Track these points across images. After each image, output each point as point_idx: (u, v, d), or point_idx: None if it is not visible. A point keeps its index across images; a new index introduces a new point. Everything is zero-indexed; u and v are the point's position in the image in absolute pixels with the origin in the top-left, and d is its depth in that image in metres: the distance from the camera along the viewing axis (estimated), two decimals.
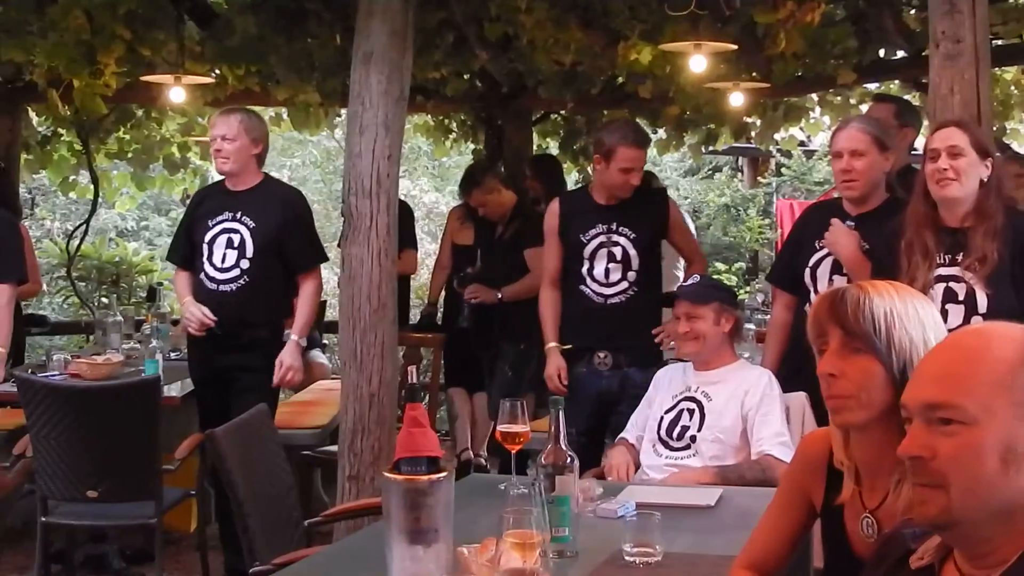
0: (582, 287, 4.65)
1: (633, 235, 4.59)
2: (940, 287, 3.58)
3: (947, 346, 1.64)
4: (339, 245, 4.58)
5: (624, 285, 4.59)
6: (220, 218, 4.83)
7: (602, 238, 4.62)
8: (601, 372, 4.58)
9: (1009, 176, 4.37)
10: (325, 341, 7.44)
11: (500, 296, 6.12)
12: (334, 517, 3.88)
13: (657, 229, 4.70)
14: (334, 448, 4.77)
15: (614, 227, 4.61)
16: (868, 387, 2.13)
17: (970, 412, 1.51)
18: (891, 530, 1.77)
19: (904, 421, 1.59)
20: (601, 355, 4.58)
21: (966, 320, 3.51)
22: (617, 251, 4.60)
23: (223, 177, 4.98)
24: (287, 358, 4.76)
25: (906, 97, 6.87)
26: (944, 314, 3.47)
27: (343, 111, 7.17)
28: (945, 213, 3.60)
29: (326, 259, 5.10)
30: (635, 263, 4.58)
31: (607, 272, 4.60)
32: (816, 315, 2.22)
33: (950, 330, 2.13)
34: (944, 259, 3.60)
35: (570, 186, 9.99)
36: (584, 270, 4.63)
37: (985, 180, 3.55)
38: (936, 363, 1.61)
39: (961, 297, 3.56)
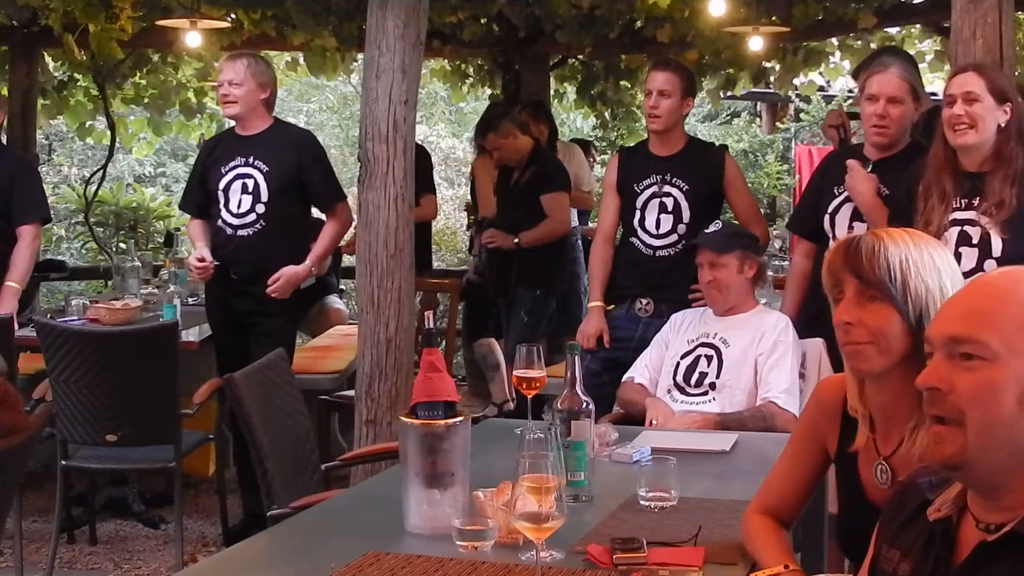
0: (632, 239, 4.60)
1: (686, 187, 4.52)
2: (955, 230, 3.55)
3: (977, 284, 1.64)
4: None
5: (674, 237, 4.51)
6: (233, 164, 4.83)
7: (654, 188, 4.55)
8: (640, 318, 4.54)
9: None
10: (342, 287, 7.46)
11: (517, 241, 6.10)
12: (351, 461, 3.89)
13: (712, 184, 4.58)
14: (351, 393, 4.79)
15: (667, 177, 4.55)
16: (885, 335, 2.12)
17: (993, 349, 1.51)
18: (907, 479, 1.77)
19: (926, 356, 1.60)
20: (643, 301, 4.54)
21: (979, 264, 3.49)
22: (669, 202, 4.53)
23: (234, 125, 4.99)
24: (287, 271, 4.76)
25: (927, 42, 6.80)
26: (957, 257, 3.45)
27: (360, 56, 7.15)
28: (963, 158, 3.57)
29: (345, 196, 5.11)
30: (686, 215, 4.50)
31: (658, 223, 4.53)
32: (831, 264, 2.21)
33: (964, 274, 2.12)
34: (961, 203, 3.57)
35: (587, 131, 9.90)
36: (636, 221, 4.58)
37: (1003, 125, 3.50)
38: (964, 299, 1.61)
39: (975, 241, 3.54)
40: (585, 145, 8.23)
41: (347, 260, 7.23)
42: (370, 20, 4.35)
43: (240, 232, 4.81)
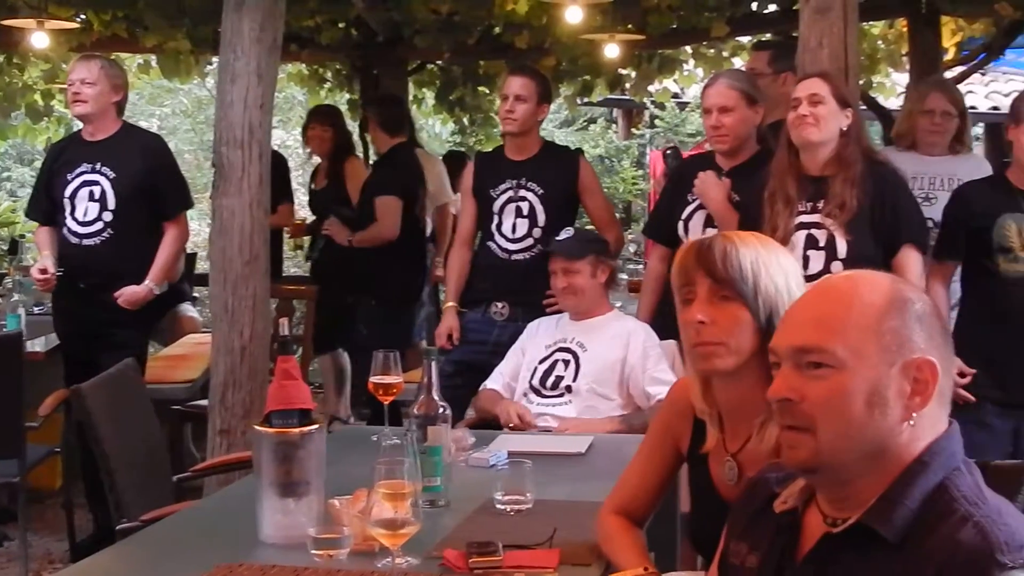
0: (489, 242, 4.61)
1: (541, 191, 4.54)
2: (802, 234, 3.66)
3: (816, 292, 1.66)
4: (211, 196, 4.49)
5: (530, 241, 4.52)
6: (79, 170, 4.71)
7: (510, 192, 4.57)
8: (495, 322, 4.55)
9: (935, 112, 4.47)
10: (196, 294, 7.31)
11: (350, 240, 6.00)
12: (204, 472, 3.82)
13: (567, 188, 4.61)
14: (205, 402, 4.70)
15: (523, 182, 4.56)
16: (736, 333, 2.18)
17: (839, 356, 1.54)
18: (757, 474, 1.80)
19: (772, 366, 1.62)
20: (499, 305, 4.54)
21: (827, 265, 3.60)
22: (524, 206, 4.54)
23: (80, 129, 4.87)
24: (127, 291, 4.65)
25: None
26: (805, 260, 3.59)
27: (215, 59, 7.04)
28: (807, 161, 3.69)
29: (192, 205, 5.03)
30: (541, 219, 4.52)
31: (514, 227, 4.55)
32: (683, 264, 2.26)
33: (812, 276, 2.19)
34: (806, 207, 3.68)
35: (445, 137, 9.86)
36: (493, 225, 4.59)
37: (845, 129, 3.64)
38: (806, 308, 1.64)
39: (822, 243, 3.65)
40: (460, 157, 8.08)
41: (201, 267, 7.09)
42: (225, 23, 4.27)
43: (86, 241, 4.68)
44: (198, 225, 11.08)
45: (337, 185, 6.52)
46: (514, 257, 4.56)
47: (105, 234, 4.67)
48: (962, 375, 3.74)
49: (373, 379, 3.16)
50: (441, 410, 2.69)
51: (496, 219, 4.59)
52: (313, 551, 2.28)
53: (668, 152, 5.05)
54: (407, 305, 6.20)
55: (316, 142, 6.65)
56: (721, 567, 1.79)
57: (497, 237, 4.58)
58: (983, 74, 10.28)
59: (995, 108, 10.84)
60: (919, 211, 3.93)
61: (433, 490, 2.62)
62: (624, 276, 6.02)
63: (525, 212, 4.55)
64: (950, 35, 7.41)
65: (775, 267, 2.20)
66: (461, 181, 4.91)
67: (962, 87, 6.46)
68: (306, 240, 7.04)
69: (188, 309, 6.69)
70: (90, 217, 4.67)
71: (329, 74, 8.87)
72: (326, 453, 2.48)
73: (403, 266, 6.01)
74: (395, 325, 5.97)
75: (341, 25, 7.60)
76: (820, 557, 1.59)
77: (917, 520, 1.51)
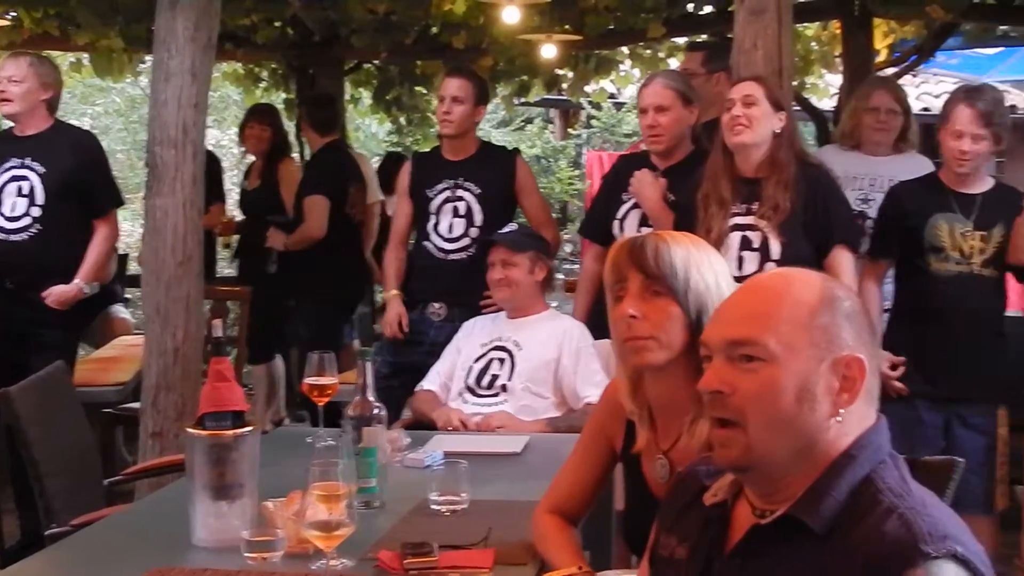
0: (425, 243, 4.60)
1: (478, 191, 4.54)
2: (736, 235, 3.69)
3: (750, 287, 1.68)
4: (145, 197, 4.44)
5: (466, 241, 4.52)
6: (7, 165, 4.63)
7: (447, 192, 4.56)
8: (432, 322, 4.54)
9: (880, 110, 4.51)
10: (127, 295, 7.22)
11: (285, 245, 5.96)
12: (136, 475, 3.78)
13: (504, 187, 4.61)
14: (137, 405, 4.64)
15: (460, 181, 4.56)
16: (667, 328, 2.21)
17: (771, 349, 1.56)
18: (687, 468, 1.82)
19: (703, 359, 1.64)
20: (436, 306, 4.54)
21: (760, 267, 3.63)
22: (461, 206, 4.54)
23: (11, 125, 4.79)
24: (56, 290, 4.58)
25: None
26: (740, 261, 3.63)
27: (148, 57, 6.96)
28: (741, 163, 3.72)
29: (123, 203, 4.97)
30: (478, 219, 4.52)
31: (451, 227, 4.55)
32: (615, 261, 2.28)
33: (746, 277, 2.22)
34: (740, 208, 3.72)
35: (382, 137, 9.82)
36: (430, 226, 4.58)
37: (778, 132, 3.67)
38: (739, 303, 1.66)
39: (756, 245, 3.68)
40: (400, 159, 8.01)
41: (133, 268, 7.00)
42: (159, 22, 4.23)
43: (13, 237, 4.60)
44: (131, 226, 10.96)
45: (270, 185, 6.47)
46: (451, 257, 4.56)
47: (33, 230, 4.60)
48: (893, 367, 3.81)
49: (307, 380, 3.14)
50: (376, 411, 2.68)
51: (433, 219, 4.58)
52: (247, 554, 2.26)
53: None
54: (345, 305, 6.18)
55: (253, 141, 6.59)
56: (651, 560, 1.81)
57: (433, 237, 4.57)
58: (914, 76, 10.43)
59: (926, 109, 11.01)
60: (850, 211, 3.98)
61: (368, 491, 2.61)
62: (560, 276, 6.04)
63: (462, 212, 4.55)
64: (882, 37, 7.52)
65: (706, 266, 2.24)
66: (397, 181, 4.89)
67: None
68: (234, 239, 6.96)
69: (120, 310, 6.61)
70: (17, 212, 4.60)
71: (265, 73, 8.80)
72: (260, 455, 2.46)
73: (338, 265, 5.98)
74: (332, 326, 5.95)
75: (277, 24, 7.55)
76: (748, 549, 1.61)
77: (844, 511, 1.53)
